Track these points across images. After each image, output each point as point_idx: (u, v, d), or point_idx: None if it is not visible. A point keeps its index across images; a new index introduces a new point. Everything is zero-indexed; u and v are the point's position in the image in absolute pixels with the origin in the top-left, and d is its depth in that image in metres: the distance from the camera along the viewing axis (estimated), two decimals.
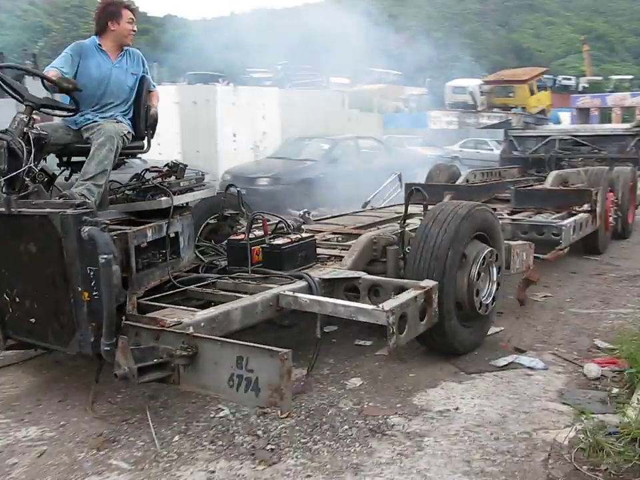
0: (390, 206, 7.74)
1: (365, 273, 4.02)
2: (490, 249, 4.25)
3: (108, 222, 3.33)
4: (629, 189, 8.60)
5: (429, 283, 3.67)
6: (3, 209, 3.20)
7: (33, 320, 3.22)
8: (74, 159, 4.22)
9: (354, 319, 3.39)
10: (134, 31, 4.34)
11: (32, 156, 3.43)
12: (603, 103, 28.22)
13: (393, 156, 13.84)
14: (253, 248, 4.09)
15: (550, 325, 4.90)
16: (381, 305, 3.31)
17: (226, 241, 4.48)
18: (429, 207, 4.51)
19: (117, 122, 4.15)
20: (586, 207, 6.52)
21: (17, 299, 3.26)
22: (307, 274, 3.92)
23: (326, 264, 4.38)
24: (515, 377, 3.85)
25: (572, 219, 6.26)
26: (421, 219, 4.64)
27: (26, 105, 3.62)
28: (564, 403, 3.46)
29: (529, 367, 3.99)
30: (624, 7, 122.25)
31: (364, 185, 12.68)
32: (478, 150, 24.77)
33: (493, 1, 73.90)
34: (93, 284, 2.95)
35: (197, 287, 3.87)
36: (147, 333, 3.01)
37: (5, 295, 3.32)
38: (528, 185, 8.73)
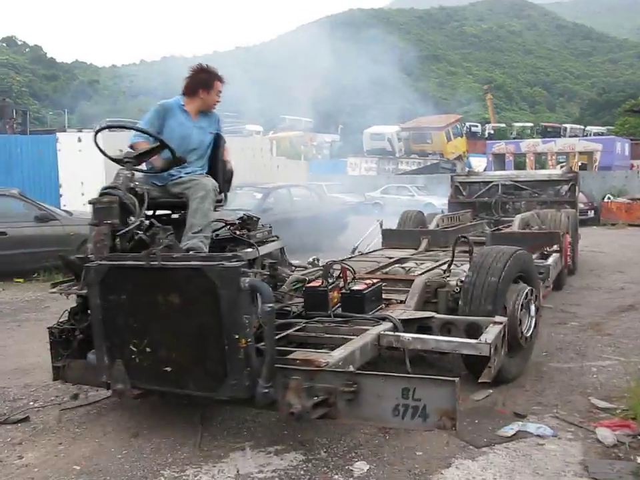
0: (375, 250, 7.88)
1: (435, 313, 4.35)
2: (530, 287, 4.72)
3: (267, 274, 4.08)
4: (575, 229, 9.14)
5: (502, 319, 4.06)
6: (141, 262, 3.26)
7: (168, 369, 3.26)
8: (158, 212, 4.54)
9: (456, 352, 3.98)
10: (218, 102, 4.77)
11: (142, 210, 3.80)
12: (517, 149, 29.35)
13: (325, 204, 13.60)
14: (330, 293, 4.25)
15: (537, 384, 4.63)
16: (483, 338, 3.69)
17: (304, 288, 4.53)
18: (473, 253, 5.00)
19: (208, 177, 4.51)
20: (556, 247, 6.76)
21: (148, 349, 3.29)
22: (389, 315, 4.12)
23: (389, 307, 4.57)
24: (528, 449, 3.51)
25: (551, 259, 6.45)
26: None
27: (126, 162, 3.92)
28: (594, 479, 3.15)
29: (537, 435, 3.68)
30: (518, 60, 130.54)
31: (301, 234, 12.41)
32: (399, 196, 25.05)
33: (399, 51, 76.75)
34: (247, 331, 3.06)
35: (293, 331, 4.02)
36: (303, 373, 3.13)
37: (131, 346, 3.32)
38: (497, 228, 9.17)
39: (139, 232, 3.72)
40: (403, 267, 6.18)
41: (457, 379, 2.87)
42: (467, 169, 15.10)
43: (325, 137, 45.80)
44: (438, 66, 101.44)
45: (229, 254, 3.27)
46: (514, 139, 41.04)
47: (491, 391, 4.40)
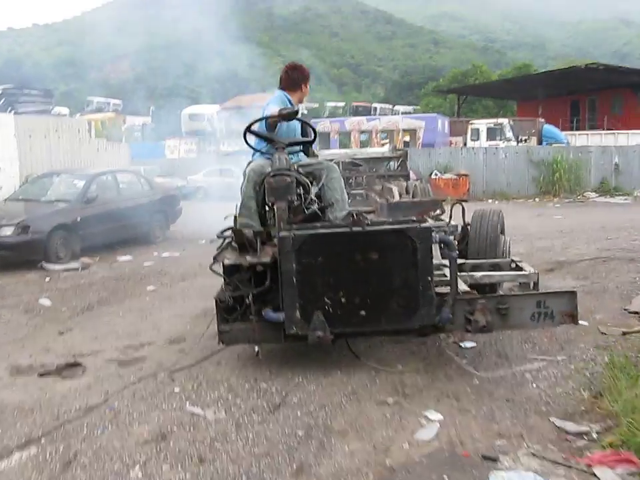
0: None
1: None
2: (509, 238, 6.11)
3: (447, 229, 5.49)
4: None
5: (517, 259, 5.49)
6: (358, 228, 3.93)
7: (363, 313, 3.94)
8: None
9: (515, 282, 5.52)
10: None
11: (311, 187, 4.81)
12: (342, 128, 29.27)
13: (156, 190, 12.07)
14: None
15: (480, 404, 3.83)
16: (528, 269, 5.07)
17: None
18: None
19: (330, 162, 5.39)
20: (438, 212, 7.25)
21: (343, 300, 3.92)
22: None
23: None
24: None
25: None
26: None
27: (278, 147, 4.69)
28: None
29: None
30: (325, 42, 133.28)
31: (130, 226, 10.85)
32: (224, 178, 23.75)
33: (209, 32, 74.42)
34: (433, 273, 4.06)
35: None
36: (466, 301, 4.16)
37: (326, 299, 3.91)
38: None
39: (311, 206, 4.68)
40: None
41: (575, 291, 4.25)
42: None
43: (135, 119, 42.97)
44: (249, 47, 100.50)
45: (413, 218, 4.14)
46: (326, 117, 41.26)
47: (438, 424, 3.51)
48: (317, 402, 3.87)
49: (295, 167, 4.77)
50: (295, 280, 3.90)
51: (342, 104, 67.05)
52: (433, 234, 3.97)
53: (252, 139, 5.09)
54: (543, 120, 26.41)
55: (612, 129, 30.34)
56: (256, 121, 4.91)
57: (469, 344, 4.98)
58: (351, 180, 11.60)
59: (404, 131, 27.67)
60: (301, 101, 5.38)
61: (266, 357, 4.75)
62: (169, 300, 7.06)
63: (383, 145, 25.04)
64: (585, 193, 21.55)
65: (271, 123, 4.76)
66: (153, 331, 5.78)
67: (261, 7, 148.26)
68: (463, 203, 6.34)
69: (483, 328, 4.07)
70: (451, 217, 6.08)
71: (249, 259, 4.20)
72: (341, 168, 11.77)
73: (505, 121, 26.41)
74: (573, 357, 4.66)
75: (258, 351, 4.66)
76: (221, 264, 4.32)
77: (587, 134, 28.00)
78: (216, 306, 4.23)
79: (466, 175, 21.06)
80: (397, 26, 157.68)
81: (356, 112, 49.09)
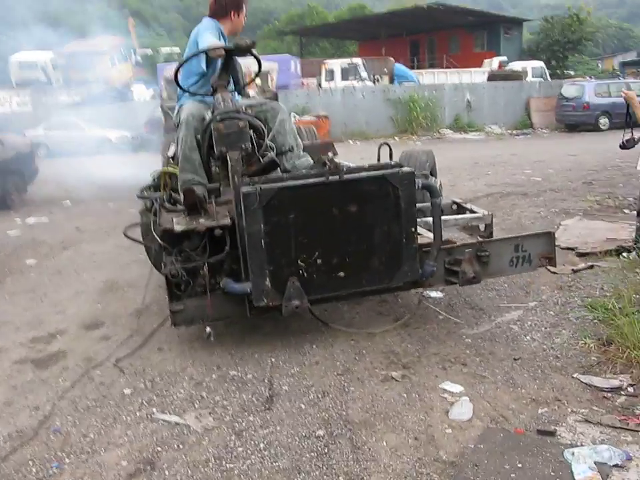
0: None
1: None
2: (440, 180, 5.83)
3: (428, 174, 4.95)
4: None
5: (458, 200, 5.32)
6: (334, 177, 3.39)
7: (341, 274, 3.49)
8: None
9: (471, 224, 4.82)
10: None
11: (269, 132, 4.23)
12: None
13: (7, 148, 10.50)
14: None
15: (492, 368, 3.44)
16: (481, 212, 4.80)
17: None
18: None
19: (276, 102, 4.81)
20: (330, 154, 6.93)
21: (319, 261, 3.45)
22: None
23: None
24: None
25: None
26: None
27: (219, 85, 4.07)
28: None
29: (615, 465, 2.47)
30: None
31: None
32: (68, 132, 21.72)
33: None
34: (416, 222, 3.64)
35: None
36: (446, 251, 3.84)
37: (300, 262, 3.42)
38: None
39: (266, 154, 4.04)
40: None
41: (552, 231, 4.14)
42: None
43: None
44: None
45: (392, 162, 3.80)
46: (165, 63, 39.21)
47: (467, 399, 3.08)
48: (313, 388, 3.27)
49: (243, 109, 4.05)
50: (263, 243, 3.36)
51: (177, 49, 64.16)
52: (417, 179, 3.59)
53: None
54: (392, 59, 26.54)
55: (449, 67, 31.36)
56: (193, 55, 4.09)
57: (435, 294, 4.62)
58: None
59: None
60: (232, 33, 4.58)
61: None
62: (60, 274, 6.01)
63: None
64: (440, 130, 22.06)
65: (215, 57, 3.99)
66: (57, 315, 4.81)
67: None
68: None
69: (473, 279, 3.78)
70: (379, 160, 5.59)
71: (204, 222, 3.51)
72: None
73: (359, 60, 26.21)
74: (543, 302, 4.43)
75: (210, 333, 3.88)
76: (164, 230, 3.55)
77: (434, 72, 28.61)
78: (166, 282, 3.52)
79: (325, 117, 20.65)
80: None
81: None
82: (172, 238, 3.53)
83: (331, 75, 25.63)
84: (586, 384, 3.18)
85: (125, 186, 12.18)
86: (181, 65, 4.15)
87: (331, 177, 3.40)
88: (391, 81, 25.25)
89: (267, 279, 3.40)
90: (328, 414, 2.99)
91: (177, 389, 3.39)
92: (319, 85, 25.75)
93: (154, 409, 3.17)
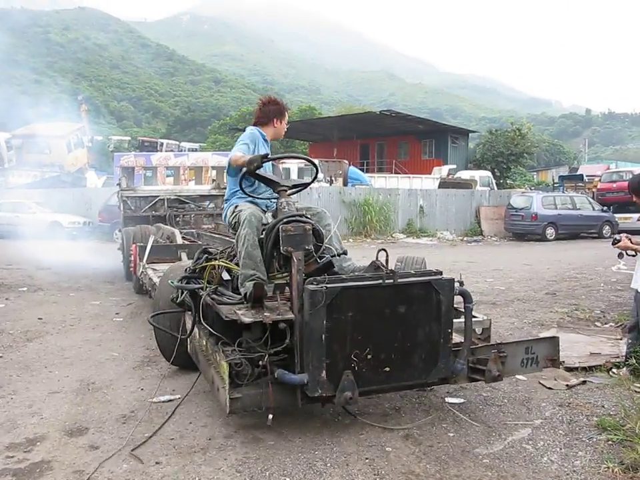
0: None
1: None
2: None
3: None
4: None
5: None
6: (389, 281, 3.76)
7: (387, 369, 3.81)
8: None
9: None
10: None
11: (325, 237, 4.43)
12: (148, 162, 27.60)
13: None
14: None
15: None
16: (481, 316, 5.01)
17: None
18: None
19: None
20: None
21: (369, 356, 3.74)
22: None
23: None
24: None
25: None
26: None
27: (281, 190, 4.51)
28: None
29: None
30: (105, 73, 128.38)
31: None
32: (17, 213, 21.25)
33: None
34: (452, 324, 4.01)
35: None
36: (471, 351, 4.21)
37: (353, 357, 3.70)
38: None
39: (324, 256, 4.29)
40: None
41: (558, 336, 4.50)
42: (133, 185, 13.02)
43: None
44: (21, 72, 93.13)
45: (434, 270, 3.99)
46: (112, 152, 39.31)
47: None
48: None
49: (304, 213, 4.39)
50: (323, 337, 3.63)
51: (127, 138, 64.64)
52: (455, 286, 3.99)
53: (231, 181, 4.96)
54: (347, 162, 27.27)
55: (399, 173, 32.42)
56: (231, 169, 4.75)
57: (454, 400, 4.66)
58: (178, 218, 11.85)
59: (212, 168, 26.87)
60: (274, 138, 5.16)
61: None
62: (28, 370, 5.59)
63: (188, 182, 24.04)
64: (393, 233, 22.49)
65: (244, 169, 4.51)
66: (32, 417, 4.42)
67: (36, 29, 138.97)
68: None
69: (497, 377, 4.11)
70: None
71: (270, 315, 3.75)
72: (165, 205, 11.87)
73: (316, 161, 26.75)
74: (549, 420, 4.35)
75: (270, 419, 3.79)
76: (229, 321, 3.86)
77: (385, 176, 29.50)
78: (229, 370, 3.64)
79: None
80: (178, 62, 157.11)
81: (142, 147, 47.28)
82: (231, 329, 3.87)
83: (287, 174, 26.07)
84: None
85: (83, 274, 11.84)
86: (243, 175, 4.58)
87: (387, 280, 3.74)
88: (345, 183, 25.84)
89: (324, 371, 3.64)
90: None
91: None
92: None
93: None
